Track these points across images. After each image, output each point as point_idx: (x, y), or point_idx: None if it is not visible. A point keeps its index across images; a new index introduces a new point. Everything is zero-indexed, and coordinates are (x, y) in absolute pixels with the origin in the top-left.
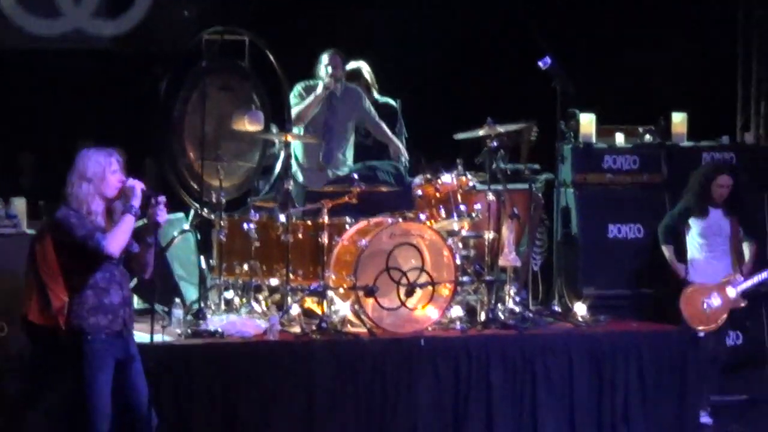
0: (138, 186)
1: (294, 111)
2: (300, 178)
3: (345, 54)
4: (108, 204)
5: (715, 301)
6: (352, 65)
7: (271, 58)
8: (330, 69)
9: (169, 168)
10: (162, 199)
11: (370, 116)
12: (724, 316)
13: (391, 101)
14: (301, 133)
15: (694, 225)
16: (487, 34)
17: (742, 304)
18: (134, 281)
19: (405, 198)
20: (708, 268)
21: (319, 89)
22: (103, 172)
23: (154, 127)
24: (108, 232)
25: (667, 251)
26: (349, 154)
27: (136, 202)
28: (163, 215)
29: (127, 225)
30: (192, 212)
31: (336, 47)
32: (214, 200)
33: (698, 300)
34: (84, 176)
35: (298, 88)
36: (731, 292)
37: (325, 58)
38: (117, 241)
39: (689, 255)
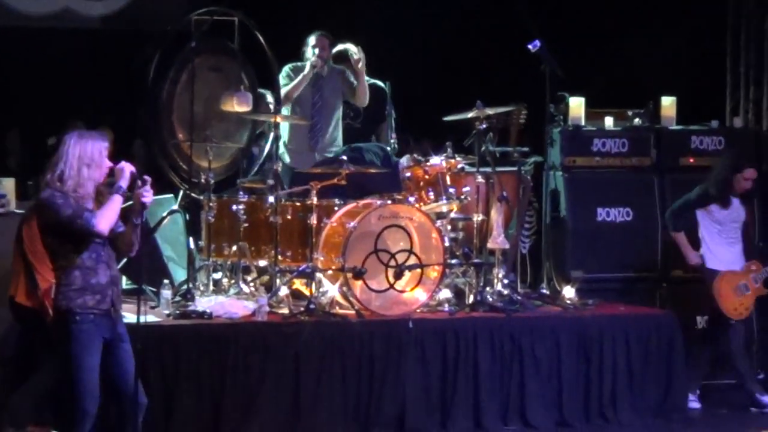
0: (127, 168)
1: (282, 91)
2: (287, 159)
3: (334, 36)
4: (97, 187)
5: (746, 288)
6: (340, 47)
7: (261, 38)
8: (317, 50)
9: (157, 149)
10: (148, 179)
11: (350, 82)
12: (753, 302)
13: (380, 83)
14: (289, 114)
15: (711, 212)
16: (477, 17)
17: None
18: (123, 262)
19: (392, 180)
20: (726, 255)
21: (307, 69)
22: (100, 157)
23: (143, 107)
24: (97, 211)
25: (679, 238)
26: (338, 134)
27: (125, 183)
28: (149, 196)
29: (116, 204)
30: (181, 193)
31: (325, 29)
32: (202, 181)
33: (730, 288)
34: (83, 160)
35: (287, 69)
36: (757, 279)
37: (312, 40)
38: (106, 219)
39: (707, 241)
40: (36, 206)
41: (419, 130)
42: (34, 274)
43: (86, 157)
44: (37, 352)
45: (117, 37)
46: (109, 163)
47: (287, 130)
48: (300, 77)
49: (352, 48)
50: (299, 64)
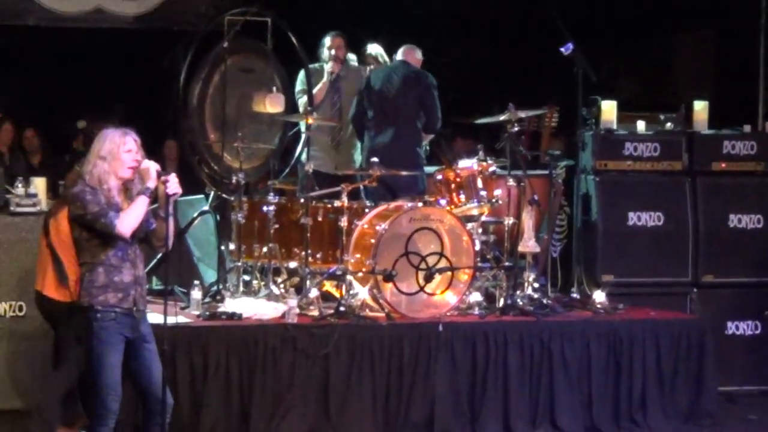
0: (153, 167)
1: (303, 99)
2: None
3: (366, 37)
4: (125, 183)
5: None
6: (371, 50)
7: (294, 39)
8: (333, 51)
9: (189, 149)
10: (171, 175)
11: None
12: None
13: None
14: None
15: None
16: (509, 19)
17: None
18: (153, 262)
19: (416, 182)
20: None
21: (325, 77)
22: (117, 151)
23: (175, 107)
24: (122, 212)
25: None
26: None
27: (152, 184)
28: (173, 186)
29: (141, 206)
30: (211, 194)
31: (356, 30)
32: (233, 182)
33: None
34: (99, 154)
35: (301, 75)
36: None
37: (327, 41)
38: (129, 221)
39: None
40: (66, 199)
41: (451, 133)
42: (63, 267)
43: (102, 151)
44: (66, 349)
45: (149, 36)
46: (134, 158)
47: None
48: (320, 85)
49: (380, 51)
50: (317, 66)
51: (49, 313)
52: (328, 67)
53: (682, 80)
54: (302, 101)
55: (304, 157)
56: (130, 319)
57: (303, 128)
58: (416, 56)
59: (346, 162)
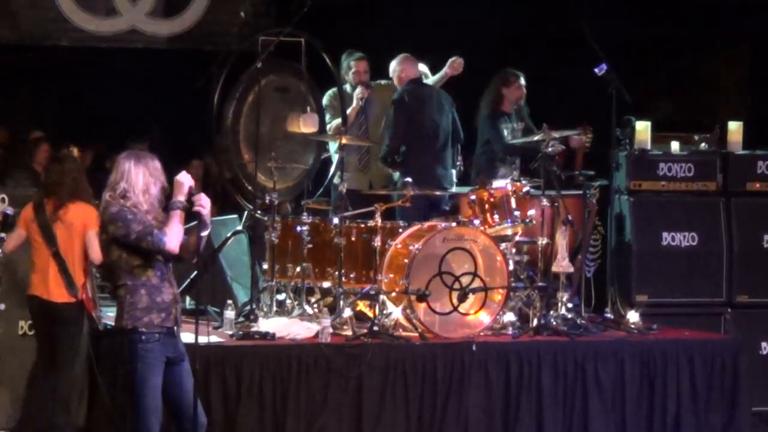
0: (187, 181)
1: (333, 124)
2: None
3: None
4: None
5: None
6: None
7: (327, 59)
8: (360, 76)
9: (223, 168)
10: (201, 195)
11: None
12: None
13: None
14: None
15: None
16: (544, 39)
17: None
18: (187, 282)
19: (445, 202)
20: None
21: (354, 102)
22: (147, 186)
23: (209, 127)
24: (166, 229)
25: None
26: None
27: (183, 197)
28: (205, 206)
29: (178, 220)
30: (245, 213)
31: (388, 52)
32: (267, 202)
33: None
34: (135, 187)
35: (330, 95)
36: None
37: (352, 65)
38: (175, 237)
39: None
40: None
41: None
42: (71, 274)
43: (137, 185)
44: (64, 352)
45: (182, 56)
46: (161, 188)
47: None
48: (350, 110)
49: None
50: (336, 89)
51: (51, 319)
52: (357, 93)
53: (717, 100)
54: (328, 121)
55: (337, 177)
56: (172, 338)
57: (332, 149)
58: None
59: (380, 179)
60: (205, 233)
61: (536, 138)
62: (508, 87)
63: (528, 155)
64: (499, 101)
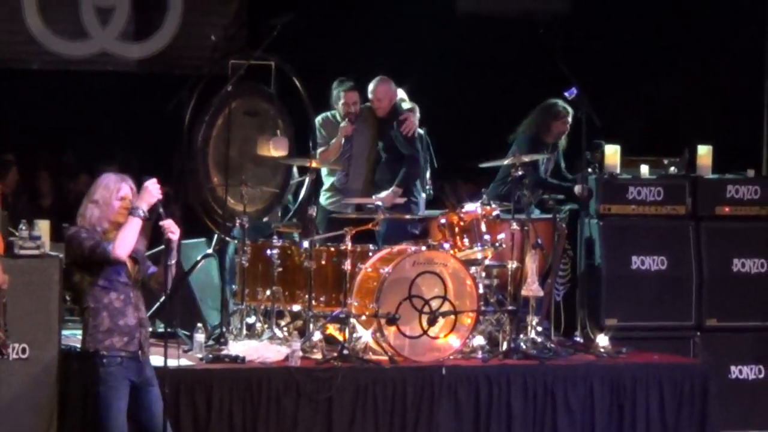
0: (154, 192)
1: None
2: (324, 202)
3: (366, 82)
4: (116, 225)
5: None
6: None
7: (297, 83)
8: (349, 107)
9: (193, 192)
10: (170, 221)
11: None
12: None
13: (419, 129)
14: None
15: None
16: (512, 63)
17: None
18: (156, 305)
19: (415, 225)
20: None
21: (339, 135)
22: (110, 198)
23: (179, 150)
24: (116, 234)
25: None
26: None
27: (144, 206)
28: (173, 232)
29: (133, 227)
30: (215, 237)
31: (360, 74)
32: (237, 225)
33: None
34: (92, 199)
35: (318, 122)
36: None
37: (341, 96)
38: (123, 243)
39: None
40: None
41: (453, 176)
42: None
43: (95, 195)
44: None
45: (152, 80)
46: (127, 206)
47: (326, 173)
48: (334, 143)
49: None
50: (330, 114)
51: None
52: (342, 127)
53: (686, 124)
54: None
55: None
56: (136, 362)
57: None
58: None
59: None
60: (172, 262)
61: (506, 162)
62: (557, 120)
63: (558, 193)
64: (545, 131)
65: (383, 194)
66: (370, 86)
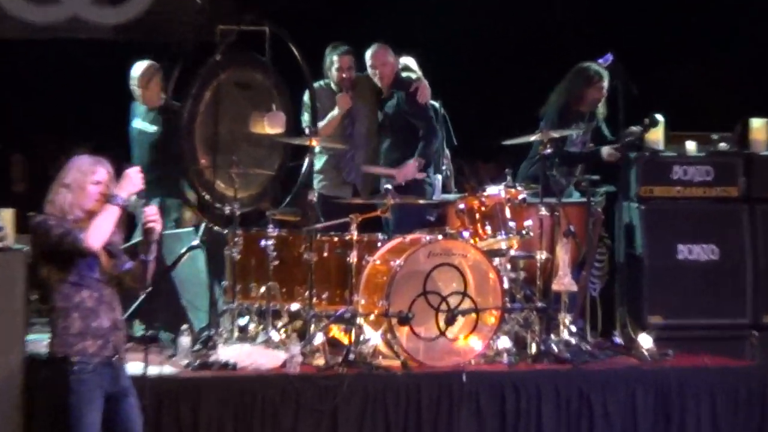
0: (135, 181)
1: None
2: (318, 185)
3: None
4: (90, 215)
5: None
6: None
7: (295, 51)
8: (343, 73)
9: (177, 175)
10: (153, 207)
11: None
12: None
13: (433, 102)
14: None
15: None
16: (539, 32)
17: None
18: (135, 304)
19: (430, 211)
20: None
21: (336, 111)
22: (83, 181)
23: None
24: (90, 223)
25: None
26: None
27: (124, 193)
28: (155, 222)
29: (109, 216)
30: (202, 226)
31: (367, 40)
32: (227, 212)
33: None
34: (63, 182)
35: (306, 98)
36: None
37: (334, 60)
38: (96, 232)
39: None
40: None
41: (474, 155)
42: None
43: (66, 179)
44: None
45: (131, 48)
46: (103, 191)
47: (318, 151)
48: (335, 115)
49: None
50: (323, 83)
51: None
52: (340, 98)
53: (737, 95)
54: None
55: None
56: (111, 369)
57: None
58: None
59: (366, 186)
60: (152, 256)
61: (533, 138)
62: (590, 86)
63: (582, 162)
64: (578, 100)
65: (404, 165)
66: (368, 53)
